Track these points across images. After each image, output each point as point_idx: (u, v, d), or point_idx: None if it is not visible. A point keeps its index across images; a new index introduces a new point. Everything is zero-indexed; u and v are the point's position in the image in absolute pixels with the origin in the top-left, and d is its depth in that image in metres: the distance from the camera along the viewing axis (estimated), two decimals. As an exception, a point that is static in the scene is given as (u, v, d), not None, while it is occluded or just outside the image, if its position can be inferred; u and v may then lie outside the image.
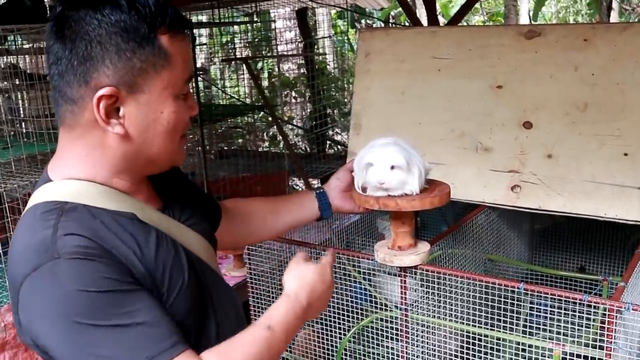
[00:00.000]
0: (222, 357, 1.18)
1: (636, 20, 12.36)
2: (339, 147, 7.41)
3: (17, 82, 4.30)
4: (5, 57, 5.00)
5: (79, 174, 1.24)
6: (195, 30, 6.40)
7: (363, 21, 12.32)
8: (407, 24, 9.35)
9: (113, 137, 1.21)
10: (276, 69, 8.97)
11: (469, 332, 1.99)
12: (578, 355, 1.74)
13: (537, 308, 2.13)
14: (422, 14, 8.40)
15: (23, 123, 4.35)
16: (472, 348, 1.94)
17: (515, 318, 1.86)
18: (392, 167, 1.65)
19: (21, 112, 4.58)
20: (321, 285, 1.41)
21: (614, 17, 11.52)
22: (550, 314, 1.90)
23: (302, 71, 7.89)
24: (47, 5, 4.08)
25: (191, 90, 1.33)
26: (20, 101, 4.81)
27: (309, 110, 7.73)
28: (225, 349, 1.20)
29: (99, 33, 1.15)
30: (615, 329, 1.65)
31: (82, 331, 1.08)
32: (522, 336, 1.92)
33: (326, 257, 1.50)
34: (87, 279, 1.10)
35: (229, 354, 1.19)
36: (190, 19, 6.81)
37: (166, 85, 1.21)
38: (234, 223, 1.73)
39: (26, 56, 5.69)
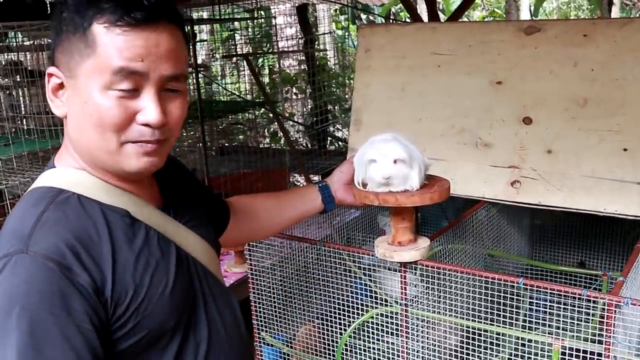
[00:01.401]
0: None
1: (637, 15, 12.34)
2: (339, 143, 7.41)
3: (18, 79, 4.31)
4: (6, 54, 5.00)
5: (73, 162, 1.26)
6: (196, 27, 6.40)
7: (364, 17, 12.31)
8: (407, 20, 9.34)
9: (66, 123, 1.24)
10: (277, 65, 8.98)
11: (469, 327, 2.00)
12: (577, 350, 1.74)
13: (536, 303, 2.14)
14: (422, 9, 8.40)
15: (24, 120, 4.36)
16: (472, 343, 1.95)
17: (515, 313, 1.87)
18: (395, 161, 1.66)
19: (22, 109, 4.59)
20: None
21: (615, 12, 11.50)
22: (550, 309, 1.91)
23: (302, 67, 7.89)
24: (48, 2, 4.08)
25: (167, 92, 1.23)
26: (21, 98, 4.82)
27: (309, 106, 7.74)
28: None
29: (59, 21, 1.20)
30: (614, 324, 1.65)
31: (8, 333, 1.05)
32: (522, 331, 1.93)
33: None
34: (41, 287, 1.07)
35: None
36: (191, 15, 6.82)
37: (90, 74, 1.16)
38: (240, 220, 1.74)
39: (27, 53, 5.69)
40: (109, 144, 1.19)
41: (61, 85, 1.21)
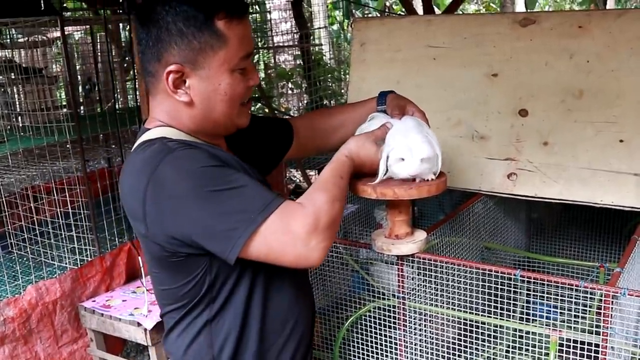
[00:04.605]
0: (309, 198, 1.41)
1: (633, 7, 12.33)
2: (336, 138, 7.39)
3: (13, 76, 4.30)
4: (0, 50, 4.99)
5: (164, 124, 1.52)
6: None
7: (359, 12, 12.29)
8: (402, 13, 9.32)
9: (182, 104, 1.48)
10: (272, 61, 8.97)
11: (467, 320, 2.00)
12: (575, 341, 1.75)
13: (533, 295, 2.14)
14: (418, 3, 8.38)
15: (19, 117, 4.35)
16: (470, 335, 1.95)
17: (512, 305, 1.87)
18: (422, 160, 1.66)
19: (17, 106, 4.58)
20: (369, 164, 1.65)
21: (611, 4, 11.50)
22: (547, 300, 1.91)
23: (298, 62, 7.87)
24: (41, -1, 4.06)
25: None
26: (16, 95, 4.81)
27: (305, 101, 7.73)
28: (310, 192, 1.44)
29: (167, 20, 1.41)
30: (611, 315, 1.65)
31: (212, 197, 1.33)
32: (520, 323, 1.93)
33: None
34: (201, 159, 1.38)
35: (313, 196, 1.42)
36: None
37: (222, 62, 1.44)
38: (303, 140, 1.94)
39: (21, 50, 5.66)
40: (234, 110, 1.51)
41: (181, 77, 1.44)
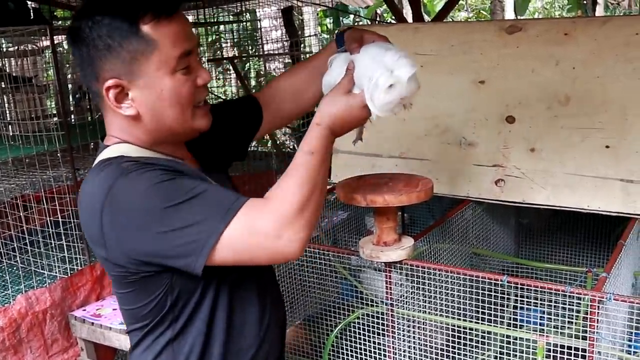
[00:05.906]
0: (275, 189, 1.35)
1: (621, 14, 12.42)
2: (326, 145, 7.39)
3: (3, 85, 4.29)
4: (-11, 60, 4.98)
5: (122, 141, 1.46)
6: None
7: (348, 20, 12.32)
8: (392, 21, 9.34)
9: (130, 118, 1.41)
10: (263, 68, 8.98)
11: (455, 326, 2.01)
12: (562, 346, 1.76)
13: (521, 300, 2.15)
14: (408, 11, 8.42)
15: (9, 126, 4.34)
16: (459, 341, 1.95)
17: (500, 311, 1.88)
18: (409, 78, 1.45)
19: (7, 114, 4.57)
20: (349, 118, 1.46)
21: (600, 11, 11.58)
22: (535, 306, 1.92)
23: (289, 70, 7.87)
24: (31, 8, 4.06)
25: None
26: (5, 104, 4.80)
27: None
28: (278, 182, 1.38)
29: (92, 37, 1.35)
30: (597, 319, 1.66)
31: (169, 213, 1.28)
32: (507, 329, 1.94)
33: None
34: (154, 177, 1.32)
35: (280, 184, 1.36)
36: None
37: (159, 66, 1.37)
38: (272, 109, 1.83)
39: (11, 59, 5.67)
40: (186, 114, 1.43)
41: (123, 91, 1.38)
